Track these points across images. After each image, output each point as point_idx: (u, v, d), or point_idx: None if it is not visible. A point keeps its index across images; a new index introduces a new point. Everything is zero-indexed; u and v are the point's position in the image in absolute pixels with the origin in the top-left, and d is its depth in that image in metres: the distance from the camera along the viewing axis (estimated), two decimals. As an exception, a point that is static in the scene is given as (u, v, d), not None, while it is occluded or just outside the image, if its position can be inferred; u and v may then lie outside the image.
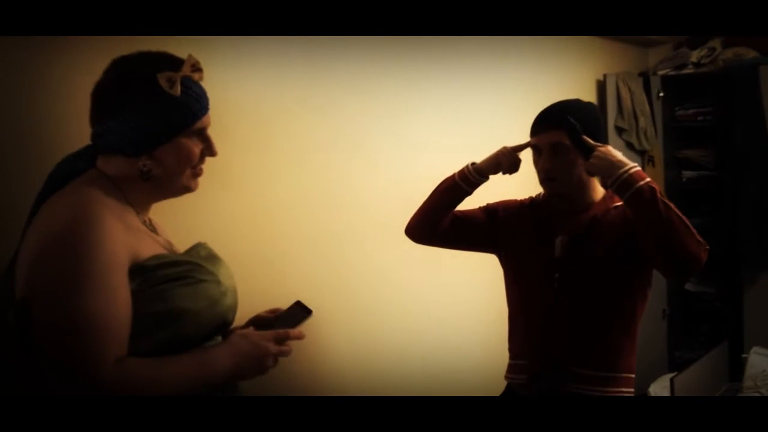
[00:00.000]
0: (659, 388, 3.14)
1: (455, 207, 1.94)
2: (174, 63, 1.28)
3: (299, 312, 1.40)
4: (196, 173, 1.35)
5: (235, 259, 1.50)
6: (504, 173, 1.89)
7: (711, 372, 2.79)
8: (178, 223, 1.57)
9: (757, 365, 2.83)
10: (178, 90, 1.24)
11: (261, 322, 1.48)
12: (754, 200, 3.55)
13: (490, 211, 1.98)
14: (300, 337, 1.33)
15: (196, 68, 1.30)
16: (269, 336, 1.29)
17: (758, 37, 3.60)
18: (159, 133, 1.25)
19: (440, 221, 1.94)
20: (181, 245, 1.43)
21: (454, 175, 1.93)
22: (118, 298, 1.13)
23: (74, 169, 1.31)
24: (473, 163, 1.91)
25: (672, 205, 1.58)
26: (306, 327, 1.39)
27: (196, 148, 1.31)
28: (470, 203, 1.98)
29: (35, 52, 1.54)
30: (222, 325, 1.34)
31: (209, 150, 1.35)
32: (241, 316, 1.51)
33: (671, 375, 2.63)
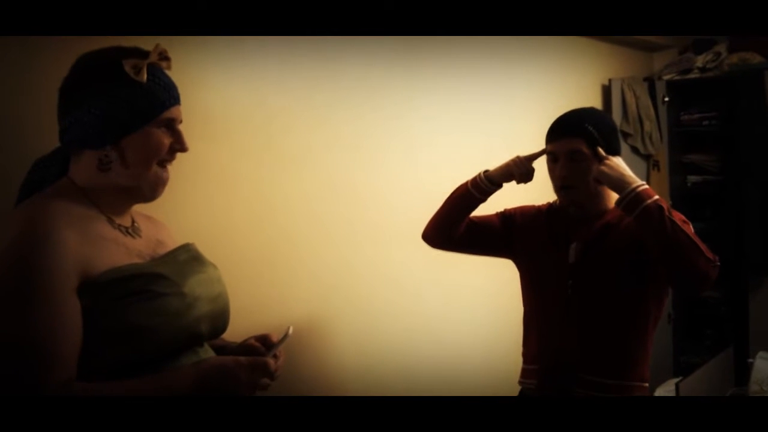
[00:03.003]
0: (664, 392, 3.12)
1: (469, 214, 1.95)
2: (141, 53, 1.25)
3: (282, 336, 1.31)
4: (164, 174, 1.29)
5: (236, 261, 1.48)
6: (517, 182, 1.89)
7: (717, 376, 2.78)
8: (178, 225, 1.57)
9: (763, 370, 2.82)
10: (144, 77, 1.21)
11: (250, 350, 1.36)
12: (759, 205, 3.55)
13: (507, 216, 1.99)
14: (277, 366, 1.24)
15: (164, 56, 1.26)
16: (245, 363, 1.20)
17: (762, 36, 3.60)
18: (125, 122, 1.21)
19: (455, 227, 1.94)
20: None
21: (467, 182, 1.94)
22: (63, 318, 1.10)
23: (47, 175, 1.28)
24: (486, 171, 1.92)
25: (680, 223, 1.58)
26: (311, 327, 1.38)
27: (165, 139, 1.26)
28: (488, 208, 1.99)
29: (35, 52, 1.54)
30: (192, 338, 1.26)
31: (179, 144, 1.28)
32: (243, 319, 1.51)
33: (676, 380, 2.62)
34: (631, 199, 1.62)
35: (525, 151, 1.90)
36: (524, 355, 1.93)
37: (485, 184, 1.90)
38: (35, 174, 1.31)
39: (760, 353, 2.91)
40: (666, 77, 3.90)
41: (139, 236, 1.32)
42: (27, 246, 1.10)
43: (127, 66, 1.20)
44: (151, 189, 1.28)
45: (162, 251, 1.34)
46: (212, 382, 1.18)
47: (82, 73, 1.24)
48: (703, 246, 1.58)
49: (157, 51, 1.25)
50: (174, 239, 1.43)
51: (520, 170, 1.86)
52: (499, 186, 1.91)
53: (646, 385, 1.79)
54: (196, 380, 1.17)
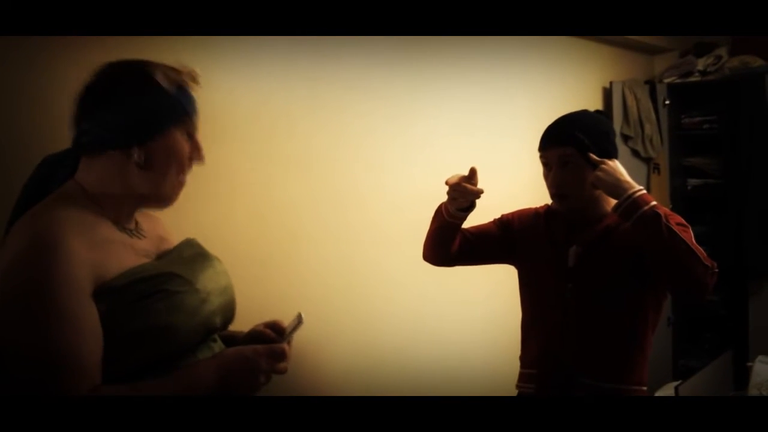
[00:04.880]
0: (663, 395, 3.13)
1: (456, 235, 1.88)
2: (173, 69, 1.27)
3: (296, 323, 1.34)
4: (181, 181, 1.30)
5: (239, 261, 1.50)
6: (462, 206, 1.77)
7: (716, 380, 2.78)
8: (182, 225, 1.57)
9: (762, 374, 2.82)
10: (173, 86, 1.24)
11: (258, 337, 1.40)
12: (760, 208, 3.55)
13: (505, 222, 1.97)
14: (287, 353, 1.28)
15: (194, 78, 1.29)
16: (263, 351, 1.24)
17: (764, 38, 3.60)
18: (150, 123, 1.22)
19: (449, 247, 1.89)
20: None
21: (442, 213, 1.84)
22: (83, 327, 1.10)
23: (54, 177, 1.28)
24: (446, 207, 1.82)
25: (678, 228, 1.57)
26: (311, 327, 1.38)
27: (186, 146, 1.28)
28: (488, 213, 1.95)
29: (35, 52, 1.54)
30: (208, 332, 1.29)
31: (197, 153, 1.31)
32: (246, 319, 1.50)
33: (676, 383, 2.62)
34: (628, 205, 1.61)
35: (526, 152, 1.88)
36: (522, 359, 1.92)
37: (457, 216, 1.81)
38: (43, 171, 1.31)
39: (760, 357, 2.91)
40: (667, 80, 3.91)
41: (144, 236, 1.33)
42: (38, 258, 1.09)
43: (159, 74, 1.23)
44: (166, 196, 1.29)
45: (165, 247, 1.35)
46: (234, 373, 1.21)
47: (108, 79, 1.24)
48: (701, 253, 1.56)
49: (191, 73, 1.28)
50: (170, 231, 1.44)
51: (458, 194, 1.73)
52: (471, 209, 1.80)
53: (645, 389, 1.78)
54: (218, 372, 1.20)
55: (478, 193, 1.71)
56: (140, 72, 1.23)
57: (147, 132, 1.23)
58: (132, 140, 1.22)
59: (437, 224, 1.88)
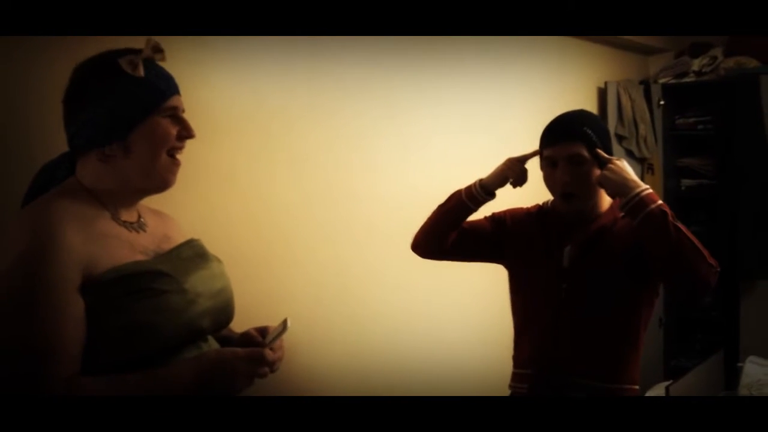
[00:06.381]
0: (654, 395, 3.14)
1: (460, 224, 1.91)
2: (134, 50, 1.28)
3: (280, 329, 1.34)
4: (175, 163, 1.31)
5: (233, 260, 1.49)
6: (513, 186, 1.86)
7: (706, 380, 2.79)
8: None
9: (752, 374, 2.83)
10: (141, 71, 1.24)
11: (249, 340, 1.40)
12: (753, 209, 3.56)
13: (497, 220, 1.96)
14: (275, 358, 1.28)
15: (157, 49, 1.29)
16: (243, 355, 1.24)
17: (759, 40, 3.61)
18: (129, 115, 1.24)
19: (446, 238, 1.91)
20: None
21: (460, 193, 1.90)
22: (67, 317, 1.12)
23: (54, 178, 1.31)
24: (480, 181, 1.88)
25: (683, 228, 1.58)
26: (305, 328, 1.38)
27: (171, 128, 1.29)
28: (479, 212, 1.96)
29: (35, 52, 1.54)
30: (194, 333, 1.28)
31: (186, 131, 1.31)
32: (240, 318, 1.50)
33: (667, 383, 2.63)
34: (635, 204, 1.61)
35: (520, 153, 1.88)
36: (515, 359, 1.92)
37: (481, 196, 1.86)
38: (41, 178, 1.33)
39: (750, 357, 2.92)
40: (662, 80, 3.91)
41: (144, 231, 1.33)
42: (31, 248, 1.13)
43: (123, 63, 1.23)
44: (161, 179, 1.30)
45: (167, 246, 1.36)
46: (211, 374, 1.21)
47: (81, 80, 1.27)
48: (705, 251, 1.58)
49: (150, 45, 1.28)
50: (182, 232, 1.44)
51: (515, 173, 1.84)
52: (493, 196, 1.88)
53: (637, 387, 1.79)
54: (196, 373, 1.20)
55: (526, 176, 1.85)
56: (107, 66, 1.25)
57: (127, 125, 1.24)
58: (113, 137, 1.24)
59: (450, 205, 1.90)
